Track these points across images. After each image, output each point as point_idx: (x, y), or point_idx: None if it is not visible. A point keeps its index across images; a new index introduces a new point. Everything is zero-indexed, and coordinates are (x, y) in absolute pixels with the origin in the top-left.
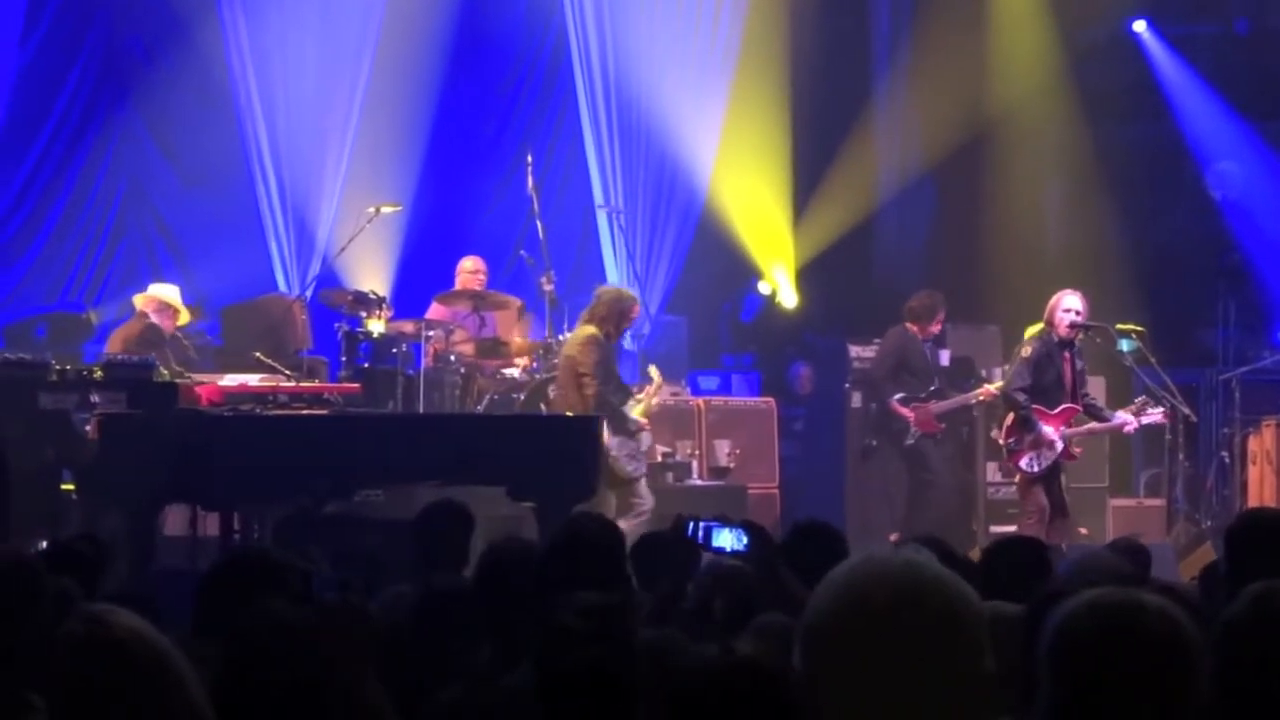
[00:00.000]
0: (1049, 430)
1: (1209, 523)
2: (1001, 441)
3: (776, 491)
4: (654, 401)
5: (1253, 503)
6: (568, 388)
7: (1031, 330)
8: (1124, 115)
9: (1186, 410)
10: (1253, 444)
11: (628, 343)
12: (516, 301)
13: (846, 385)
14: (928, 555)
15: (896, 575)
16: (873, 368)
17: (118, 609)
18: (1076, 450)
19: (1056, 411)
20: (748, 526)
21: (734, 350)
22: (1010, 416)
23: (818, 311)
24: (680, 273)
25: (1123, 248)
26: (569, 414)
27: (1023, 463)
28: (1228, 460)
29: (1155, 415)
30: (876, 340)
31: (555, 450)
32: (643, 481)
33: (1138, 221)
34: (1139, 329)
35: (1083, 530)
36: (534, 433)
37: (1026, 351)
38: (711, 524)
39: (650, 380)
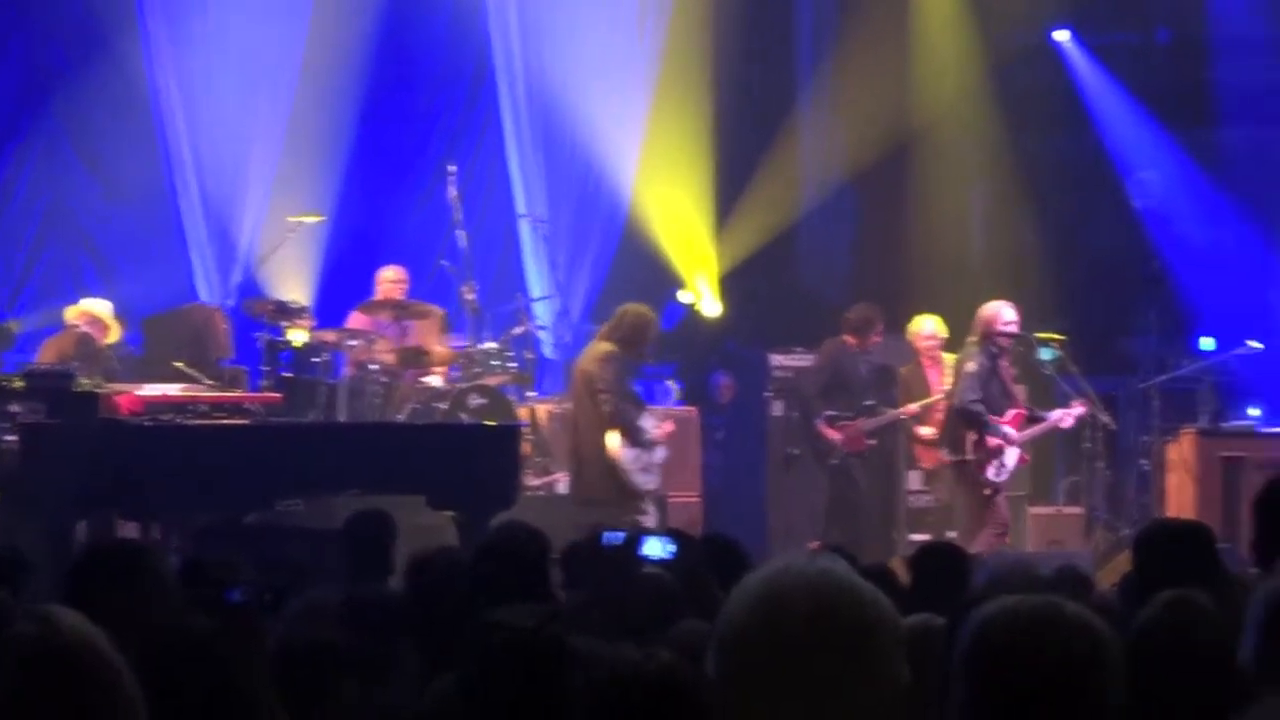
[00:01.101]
0: (1014, 431)
1: (1128, 531)
2: (969, 456)
3: (698, 500)
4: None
5: (1171, 511)
6: (582, 402)
7: (915, 327)
8: (1047, 123)
9: (1106, 418)
10: (1171, 452)
11: (548, 350)
12: (438, 311)
13: (767, 394)
14: (844, 565)
15: (812, 584)
16: (804, 383)
17: (65, 609)
18: (1025, 456)
19: (1008, 419)
20: (675, 534)
21: (655, 359)
22: (972, 433)
23: (740, 320)
24: (604, 282)
25: (1045, 256)
26: (601, 425)
27: (989, 473)
28: (1147, 468)
29: (1081, 408)
30: (798, 348)
31: (476, 459)
32: (649, 500)
33: (1060, 230)
34: (1059, 337)
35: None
36: (455, 442)
37: (972, 366)
38: (616, 534)
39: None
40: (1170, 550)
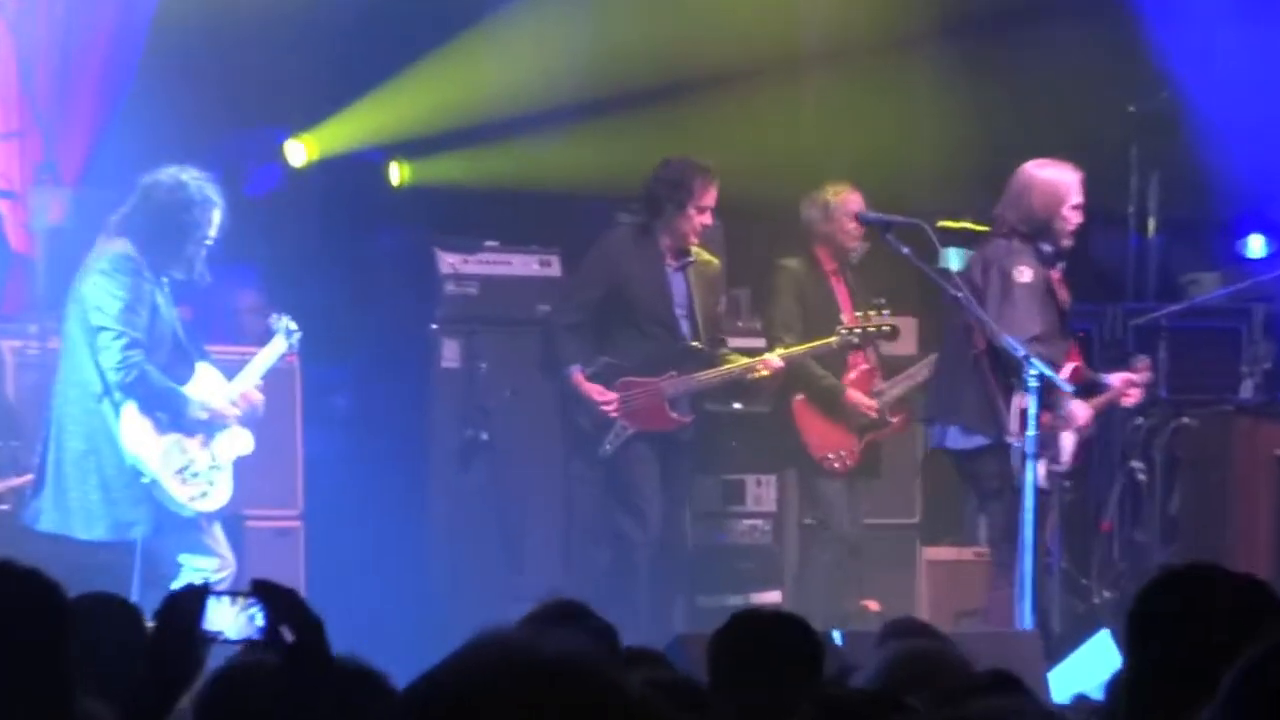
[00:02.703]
0: (1083, 406)
1: (1107, 593)
2: (1012, 437)
3: (299, 524)
4: (259, 370)
5: (1188, 552)
6: (75, 345)
7: (834, 198)
8: None
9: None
10: (1186, 446)
11: (21, 242)
12: None
13: (434, 326)
14: (590, 649)
15: (536, 686)
16: (555, 307)
17: None
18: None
19: (1065, 374)
20: (264, 592)
21: (230, 258)
22: (1021, 395)
23: (401, 198)
24: (120, 114)
25: (955, 81)
26: None
27: (1040, 471)
28: (1143, 476)
29: (1146, 371)
30: (491, 244)
31: None
32: (216, 525)
33: (994, 43)
34: (981, 228)
35: (871, 604)
36: None
37: (1026, 274)
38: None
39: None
40: (1185, 627)
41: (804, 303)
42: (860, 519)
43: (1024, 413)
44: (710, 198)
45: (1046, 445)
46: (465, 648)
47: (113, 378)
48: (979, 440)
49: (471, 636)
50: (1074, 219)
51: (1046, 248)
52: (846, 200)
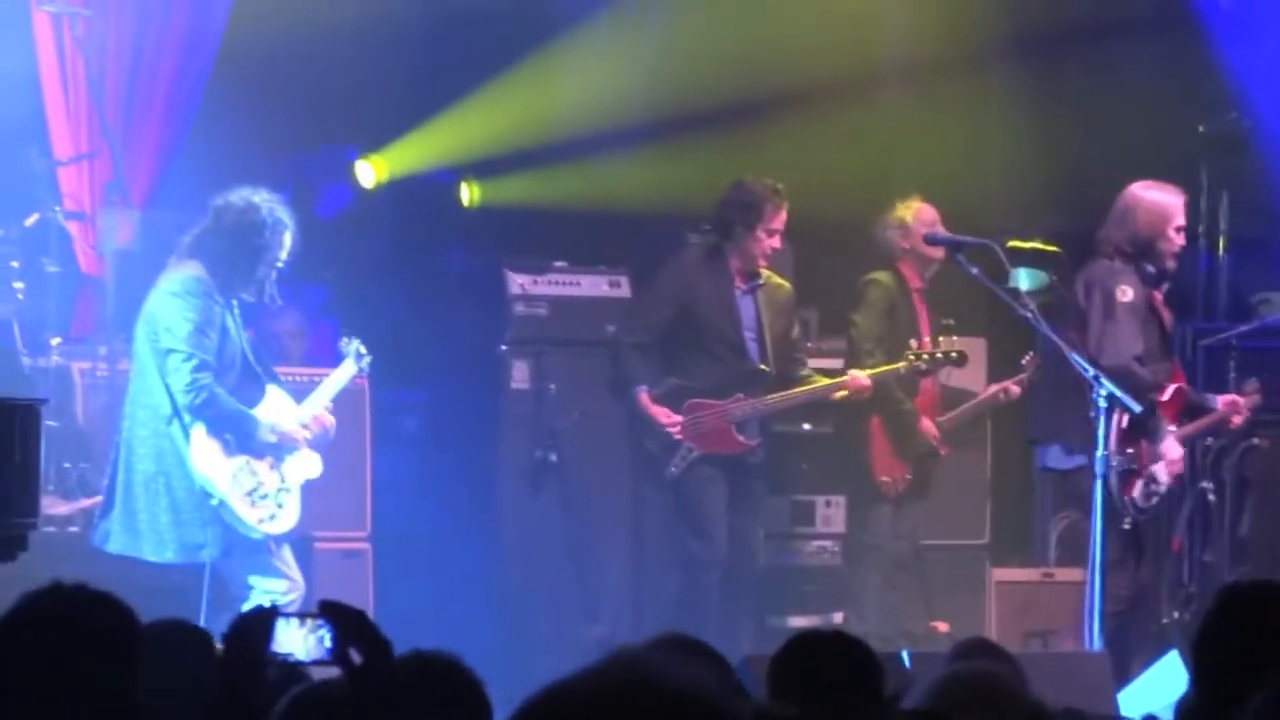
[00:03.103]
0: (1172, 425)
1: (1177, 613)
2: (1113, 458)
3: (367, 546)
4: (328, 394)
5: (1261, 571)
6: (144, 368)
7: (907, 216)
8: None
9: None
10: (1256, 467)
11: (91, 264)
12: None
13: (504, 348)
14: (696, 674)
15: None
16: (623, 326)
17: None
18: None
19: (1166, 395)
20: (333, 616)
21: (297, 277)
22: (1121, 414)
23: (470, 218)
24: (188, 135)
25: (1025, 100)
26: None
27: (1136, 493)
28: (1213, 497)
29: (1256, 393)
30: (560, 264)
31: None
32: (285, 548)
33: (1064, 62)
34: (1051, 248)
35: (940, 625)
36: None
37: (1127, 294)
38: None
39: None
40: (1246, 643)
41: (893, 318)
42: (902, 534)
43: (1120, 432)
44: (780, 221)
45: (1147, 465)
46: (598, 664)
47: (182, 400)
48: (1079, 460)
49: (608, 654)
50: (1178, 241)
51: (1149, 268)
52: (921, 213)
